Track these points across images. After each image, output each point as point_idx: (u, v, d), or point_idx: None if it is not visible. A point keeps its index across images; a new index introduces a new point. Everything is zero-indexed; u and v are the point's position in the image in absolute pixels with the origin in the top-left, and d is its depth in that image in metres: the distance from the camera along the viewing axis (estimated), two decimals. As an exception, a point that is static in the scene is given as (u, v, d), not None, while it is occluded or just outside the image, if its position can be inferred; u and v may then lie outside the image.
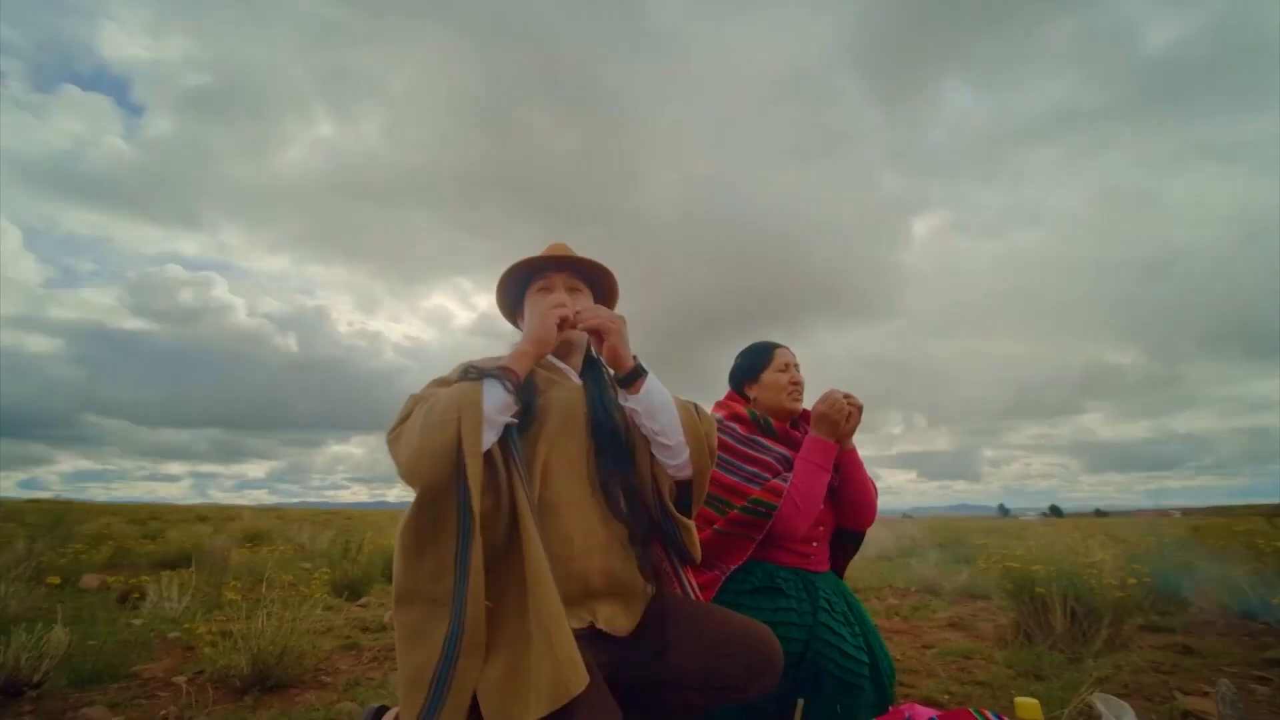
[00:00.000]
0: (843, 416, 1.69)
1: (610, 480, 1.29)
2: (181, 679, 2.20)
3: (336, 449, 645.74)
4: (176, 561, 5.53)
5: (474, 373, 1.11)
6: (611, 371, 1.51)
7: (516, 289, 1.46)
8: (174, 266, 69.90)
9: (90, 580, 4.91)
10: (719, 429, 1.86)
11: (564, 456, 1.24)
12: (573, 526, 1.19)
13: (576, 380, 1.39)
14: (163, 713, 1.89)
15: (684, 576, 1.47)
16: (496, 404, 1.09)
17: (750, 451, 1.77)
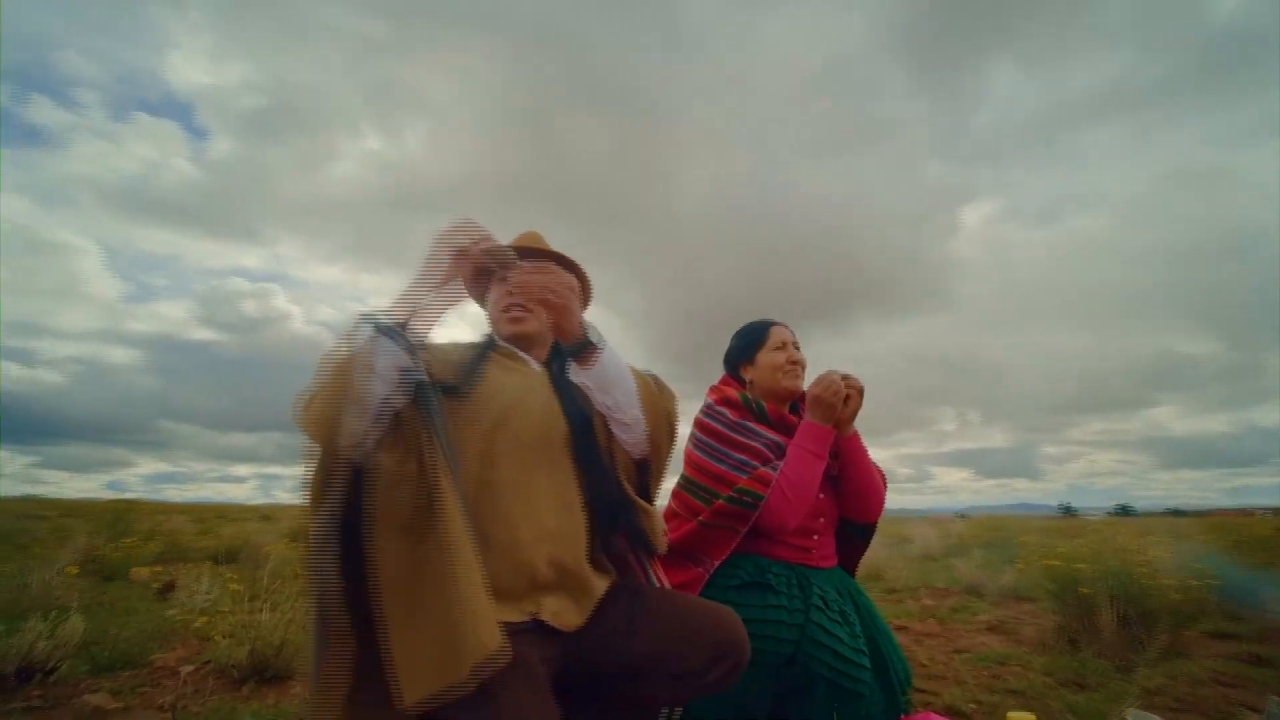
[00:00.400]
0: (839, 399, 1.55)
1: (568, 469, 1.21)
2: (189, 668, 2.23)
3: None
4: (224, 557, 5.75)
5: (368, 325, 1.03)
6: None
7: (479, 284, 1.38)
8: (237, 279, 72.93)
9: (140, 573, 5.15)
10: (707, 413, 1.75)
11: (514, 440, 1.15)
12: (518, 514, 1.11)
13: (537, 368, 1.31)
14: (160, 701, 1.91)
15: (649, 569, 1.37)
16: (387, 359, 1.01)
17: (739, 438, 1.65)
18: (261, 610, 2.23)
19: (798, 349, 1.80)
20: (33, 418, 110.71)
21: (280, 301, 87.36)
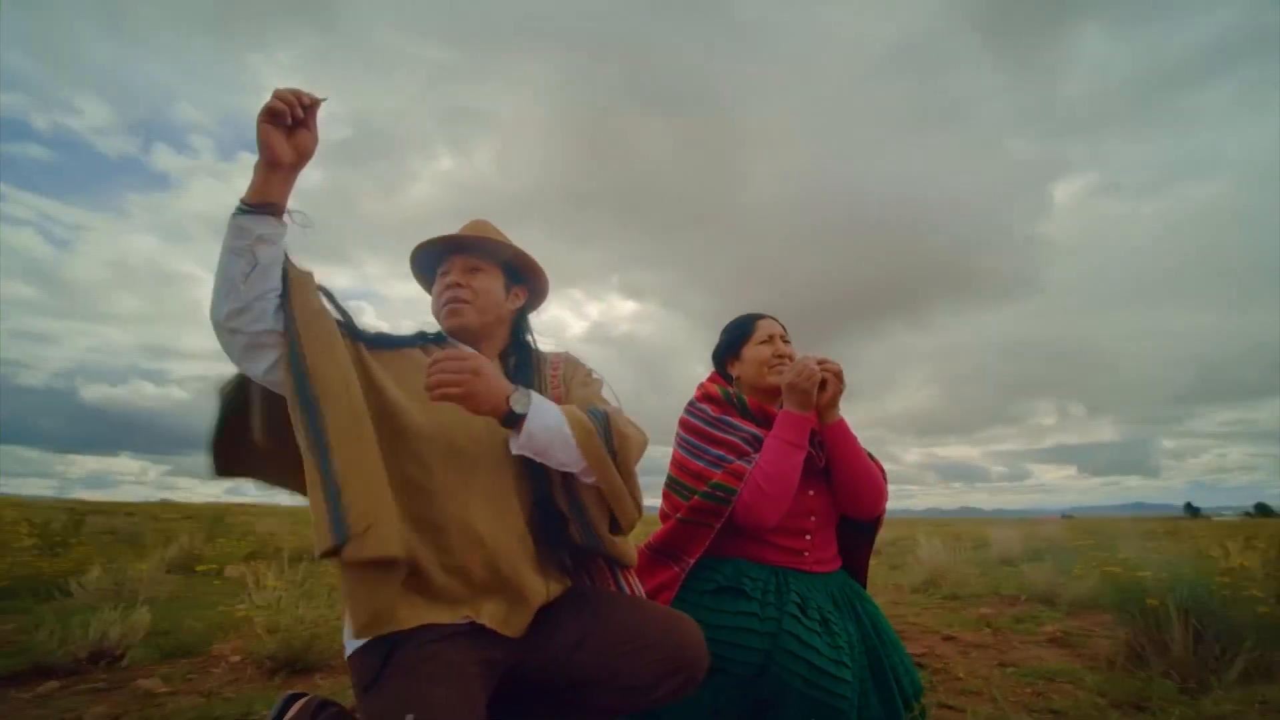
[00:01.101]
0: (813, 384, 1.47)
1: (509, 473, 1.19)
2: (236, 658, 2.41)
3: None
4: (299, 556, 6.21)
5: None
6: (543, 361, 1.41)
7: (427, 276, 1.40)
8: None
9: (234, 570, 5.64)
10: (689, 410, 1.70)
11: (447, 444, 1.16)
12: (449, 518, 1.11)
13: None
14: (204, 687, 2.08)
15: (619, 575, 1.34)
16: (239, 238, 1.03)
17: (717, 433, 1.60)
18: (297, 606, 2.38)
19: (786, 342, 1.72)
20: (165, 430, 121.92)
21: (370, 318, 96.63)
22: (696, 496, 1.50)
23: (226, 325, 1.06)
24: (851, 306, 69.17)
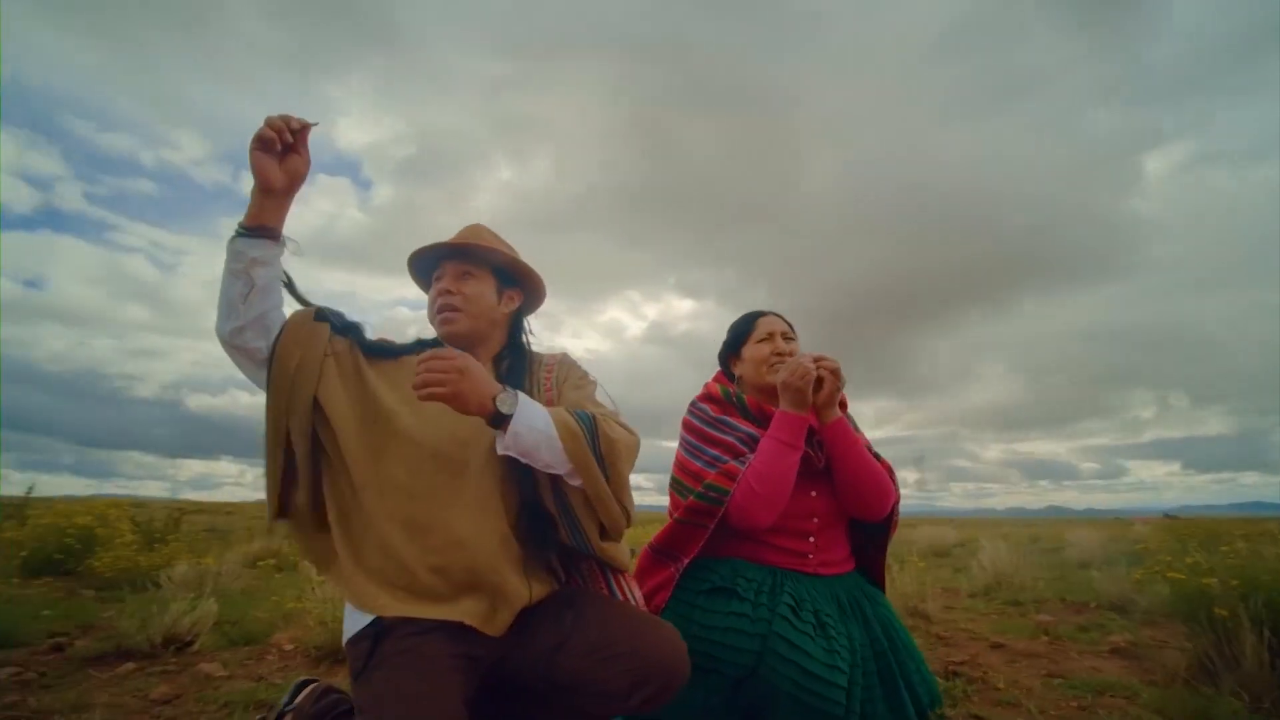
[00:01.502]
0: (807, 383, 1.44)
1: (494, 476, 1.23)
2: (290, 647, 2.59)
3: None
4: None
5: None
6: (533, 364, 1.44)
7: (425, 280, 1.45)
8: (401, 309, 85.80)
9: (304, 568, 6.05)
10: (690, 410, 1.70)
11: (435, 448, 1.20)
12: (433, 519, 1.16)
13: None
14: (257, 672, 2.25)
15: (611, 578, 1.35)
16: (236, 260, 1.13)
17: (714, 433, 1.59)
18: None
19: (789, 339, 1.69)
20: (258, 436, 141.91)
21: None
22: (691, 496, 1.50)
23: (231, 342, 1.16)
24: (920, 296, 63.39)
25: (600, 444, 1.17)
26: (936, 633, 2.99)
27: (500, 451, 1.14)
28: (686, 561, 1.50)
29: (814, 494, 1.55)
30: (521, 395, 1.14)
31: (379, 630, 1.11)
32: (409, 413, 1.23)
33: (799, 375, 1.44)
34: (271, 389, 1.17)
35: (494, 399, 1.10)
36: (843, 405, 1.63)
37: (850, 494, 1.53)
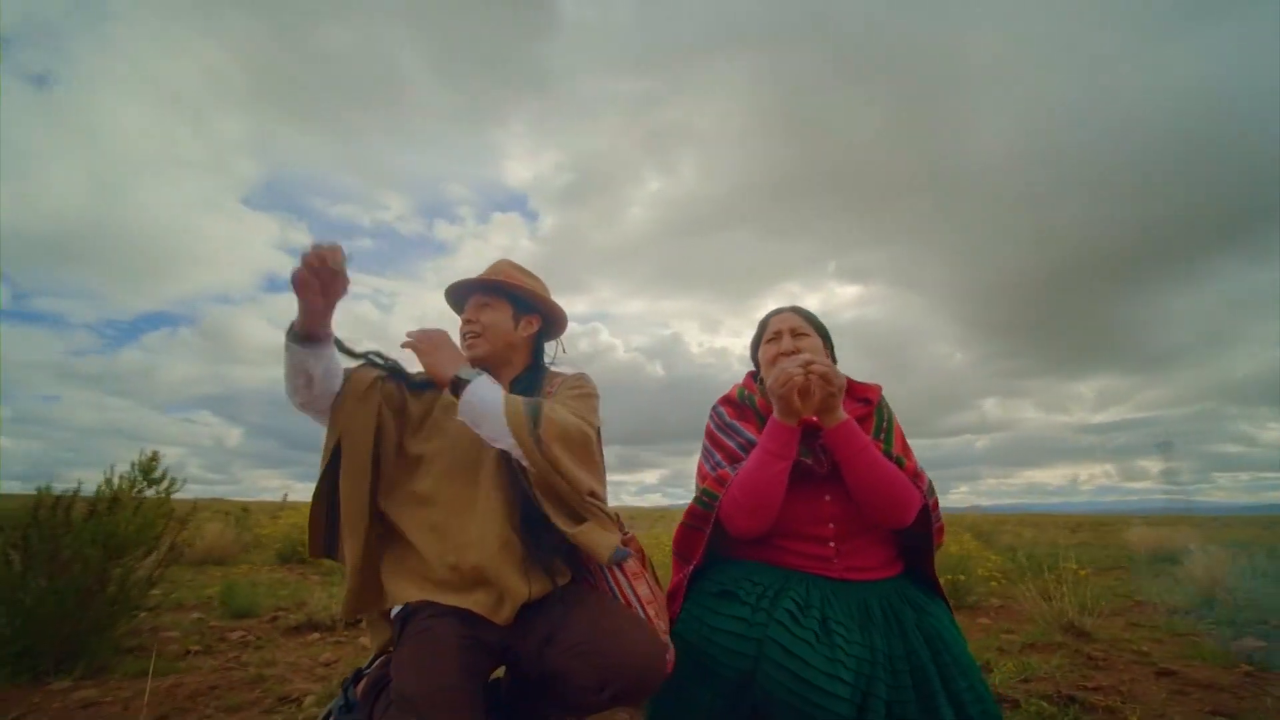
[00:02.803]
0: (790, 391, 1.38)
1: (501, 484, 1.39)
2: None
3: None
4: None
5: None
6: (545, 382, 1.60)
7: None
8: (573, 324, 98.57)
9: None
10: (711, 412, 1.72)
11: (450, 461, 1.41)
12: (449, 524, 1.36)
13: None
14: (359, 640, 2.71)
15: (611, 576, 1.45)
16: (291, 358, 1.32)
17: (722, 437, 1.61)
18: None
19: (798, 336, 1.63)
20: None
21: (605, 336, 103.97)
22: (692, 499, 1.53)
23: (299, 406, 1.41)
24: (1144, 252, 50.31)
25: (540, 424, 1.30)
26: (1089, 652, 2.56)
27: (457, 416, 1.34)
28: (694, 564, 1.53)
29: (828, 499, 1.48)
30: (485, 375, 1.34)
31: (405, 614, 1.34)
32: (439, 436, 1.45)
33: (780, 382, 1.38)
34: (346, 455, 1.37)
35: (459, 371, 1.32)
36: (868, 408, 1.54)
37: (862, 501, 1.43)
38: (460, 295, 1.63)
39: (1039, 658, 2.47)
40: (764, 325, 1.69)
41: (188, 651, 2.48)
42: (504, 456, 1.38)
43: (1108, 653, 2.56)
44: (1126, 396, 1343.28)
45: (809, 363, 1.40)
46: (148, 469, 2.42)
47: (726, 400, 1.70)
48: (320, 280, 1.25)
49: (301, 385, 1.35)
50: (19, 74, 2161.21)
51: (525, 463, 1.31)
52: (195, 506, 3.07)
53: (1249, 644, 2.60)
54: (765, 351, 1.63)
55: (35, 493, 2.23)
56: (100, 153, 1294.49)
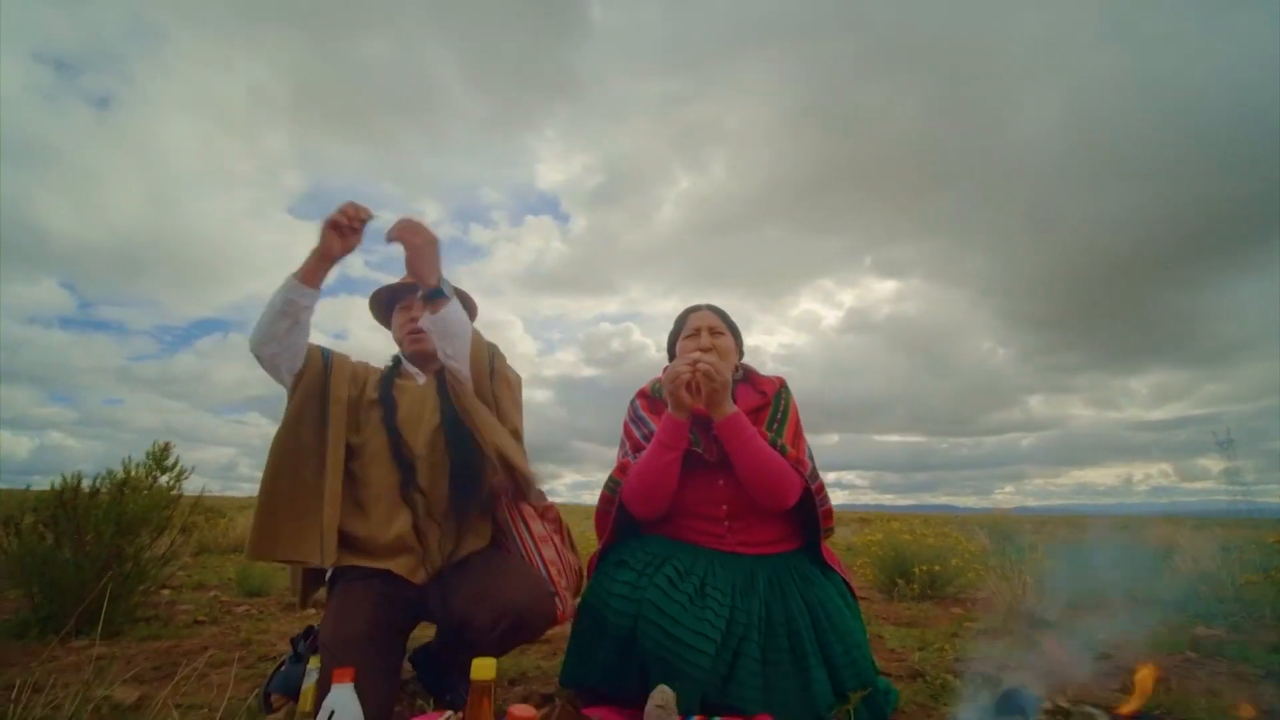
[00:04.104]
0: (678, 385, 1.52)
1: (442, 462, 1.60)
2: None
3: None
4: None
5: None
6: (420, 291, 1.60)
7: (385, 313, 1.84)
8: (604, 324, 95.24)
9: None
10: (629, 405, 1.87)
11: (385, 450, 1.61)
12: (373, 502, 1.56)
13: (422, 380, 1.72)
14: None
15: (519, 539, 1.64)
16: (280, 295, 1.44)
17: (631, 428, 1.77)
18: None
19: (714, 334, 1.76)
20: None
21: (637, 336, 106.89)
22: (603, 487, 1.69)
23: (261, 355, 1.52)
24: (1201, 239, 46.98)
25: (495, 361, 1.59)
26: (1040, 638, 2.60)
27: (423, 325, 1.56)
28: (601, 544, 1.69)
29: (721, 482, 1.62)
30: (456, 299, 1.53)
31: (334, 575, 1.56)
32: (378, 419, 1.65)
33: (669, 378, 1.53)
34: (333, 419, 1.55)
35: (441, 279, 1.48)
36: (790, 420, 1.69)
37: (747, 485, 1.56)
38: (391, 296, 1.81)
39: (988, 643, 2.54)
40: (682, 321, 1.83)
41: (196, 621, 2.77)
42: (443, 424, 1.60)
43: (1061, 639, 2.61)
44: (1185, 392, 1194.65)
45: (695, 361, 1.53)
46: (160, 458, 2.71)
47: (642, 393, 1.85)
48: (349, 227, 1.43)
49: (283, 330, 1.44)
50: (83, 97, 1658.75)
51: (466, 380, 1.53)
52: (232, 504, 3.35)
53: (1202, 632, 2.61)
54: (683, 346, 1.77)
55: (62, 479, 2.54)
56: (157, 169, 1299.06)
